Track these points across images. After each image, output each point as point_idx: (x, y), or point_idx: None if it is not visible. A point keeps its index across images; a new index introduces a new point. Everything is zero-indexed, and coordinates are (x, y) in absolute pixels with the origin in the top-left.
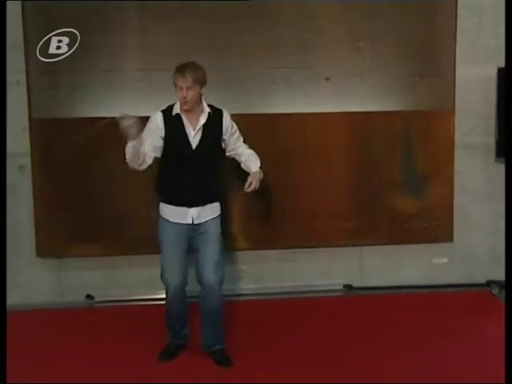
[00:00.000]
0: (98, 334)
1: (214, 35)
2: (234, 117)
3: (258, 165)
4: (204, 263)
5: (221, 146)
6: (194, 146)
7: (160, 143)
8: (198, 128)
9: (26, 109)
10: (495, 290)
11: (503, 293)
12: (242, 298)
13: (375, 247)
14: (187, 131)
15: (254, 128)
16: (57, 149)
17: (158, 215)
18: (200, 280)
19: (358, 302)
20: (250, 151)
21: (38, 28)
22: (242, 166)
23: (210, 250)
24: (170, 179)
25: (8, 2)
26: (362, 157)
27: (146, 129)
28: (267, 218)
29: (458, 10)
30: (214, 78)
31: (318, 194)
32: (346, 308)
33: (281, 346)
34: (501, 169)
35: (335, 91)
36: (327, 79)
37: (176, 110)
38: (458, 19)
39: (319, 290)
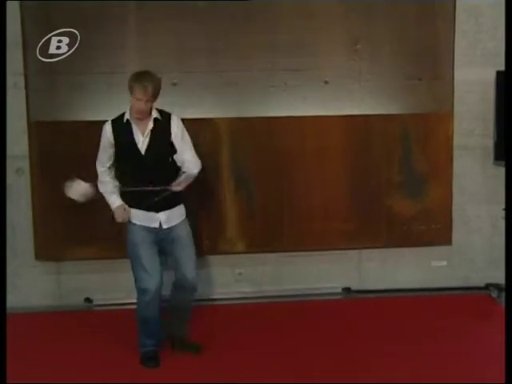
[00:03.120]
0: (96, 337)
1: (213, 37)
2: (231, 120)
3: (196, 172)
4: (184, 266)
5: (174, 149)
6: (142, 151)
7: (113, 152)
8: (146, 133)
9: (24, 111)
10: (494, 293)
11: (502, 296)
12: (239, 302)
13: (374, 250)
14: (136, 138)
15: (252, 131)
16: (55, 151)
17: None
18: (181, 282)
19: (356, 305)
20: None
21: (36, 29)
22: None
23: (187, 253)
24: (129, 185)
25: (7, 2)
26: (361, 160)
27: (101, 146)
28: (265, 221)
29: (457, 12)
30: (212, 80)
31: (316, 197)
32: (344, 311)
33: (279, 349)
34: (499, 171)
35: (334, 94)
36: (326, 82)
37: (127, 116)
38: (457, 21)
39: (318, 293)
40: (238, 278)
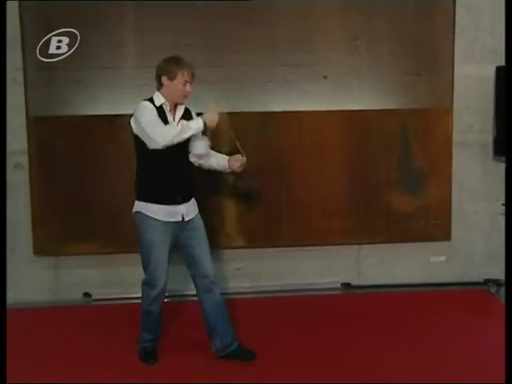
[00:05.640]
0: (95, 332)
1: (212, 33)
2: (230, 115)
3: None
4: (203, 259)
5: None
6: None
7: None
8: (177, 121)
9: (22, 106)
10: (492, 289)
11: (500, 291)
12: (239, 297)
13: (373, 245)
14: (170, 122)
15: (250, 126)
16: (54, 147)
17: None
18: (201, 276)
19: (355, 300)
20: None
21: (34, 25)
22: (214, 164)
23: (204, 246)
24: (158, 176)
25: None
26: (360, 155)
27: (152, 117)
28: (264, 216)
29: (456, 9)
30: (210, 75)
31: (315, 193)
32: (343, 306)
33: (278, 345)
34: (498, 167)
35: (333, 89)
36: (325, 77)
37: (159, 101)
38: (456, 17)
39: (317, 288)
40: (237, 273)
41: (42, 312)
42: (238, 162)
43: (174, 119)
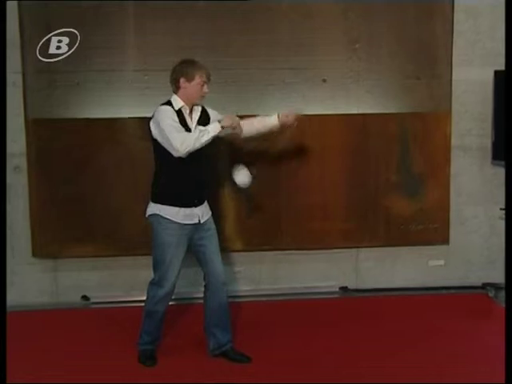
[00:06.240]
0: (93, 335)
1: (212, 35)
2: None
3: None
4: (214, 259)
5: None
6: None
7: None
8: (195, 122)
9: (21, 109)
10: (491, 293)
11: (499, 295)
12: (237, 300)
13: (371, 249)
14: (189, 125)
15: None
16: (52, 149)
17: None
18: (211, 275)
19: (353, 304)
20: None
21: (34, 26)
22: (255, 130)
23: (215, 246)
24: (178, 179)
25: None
26: (359, 159)
27: (174, 123)
28: (263, 220)
29: (455, 13)
30: (211, 78)
31: (314, 196)
32: (341, 310)
33: (276, 348)
34: (497, 171)
35: (332, 93)
36: (324, 81)
37: (178, 104)
38: (455, 21)
39: (315, 291)
40: (235, 276)
41: (40, 314)
42: (289, 116)
43: (191, 121)
